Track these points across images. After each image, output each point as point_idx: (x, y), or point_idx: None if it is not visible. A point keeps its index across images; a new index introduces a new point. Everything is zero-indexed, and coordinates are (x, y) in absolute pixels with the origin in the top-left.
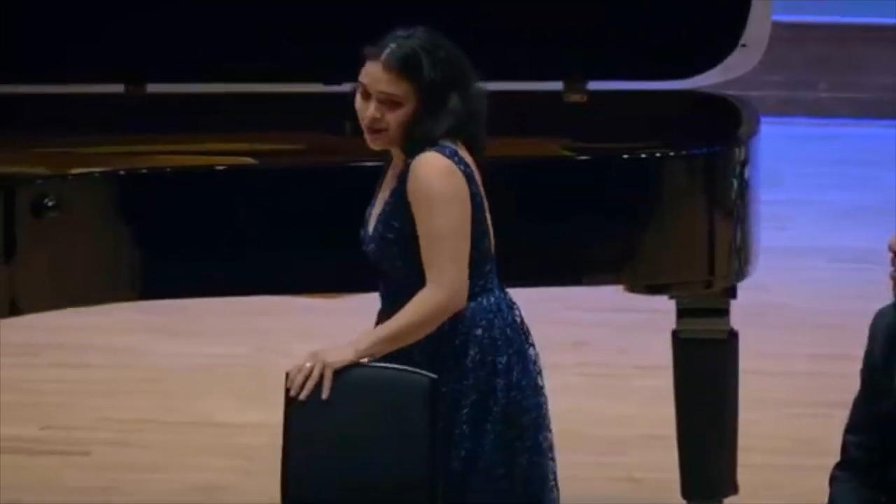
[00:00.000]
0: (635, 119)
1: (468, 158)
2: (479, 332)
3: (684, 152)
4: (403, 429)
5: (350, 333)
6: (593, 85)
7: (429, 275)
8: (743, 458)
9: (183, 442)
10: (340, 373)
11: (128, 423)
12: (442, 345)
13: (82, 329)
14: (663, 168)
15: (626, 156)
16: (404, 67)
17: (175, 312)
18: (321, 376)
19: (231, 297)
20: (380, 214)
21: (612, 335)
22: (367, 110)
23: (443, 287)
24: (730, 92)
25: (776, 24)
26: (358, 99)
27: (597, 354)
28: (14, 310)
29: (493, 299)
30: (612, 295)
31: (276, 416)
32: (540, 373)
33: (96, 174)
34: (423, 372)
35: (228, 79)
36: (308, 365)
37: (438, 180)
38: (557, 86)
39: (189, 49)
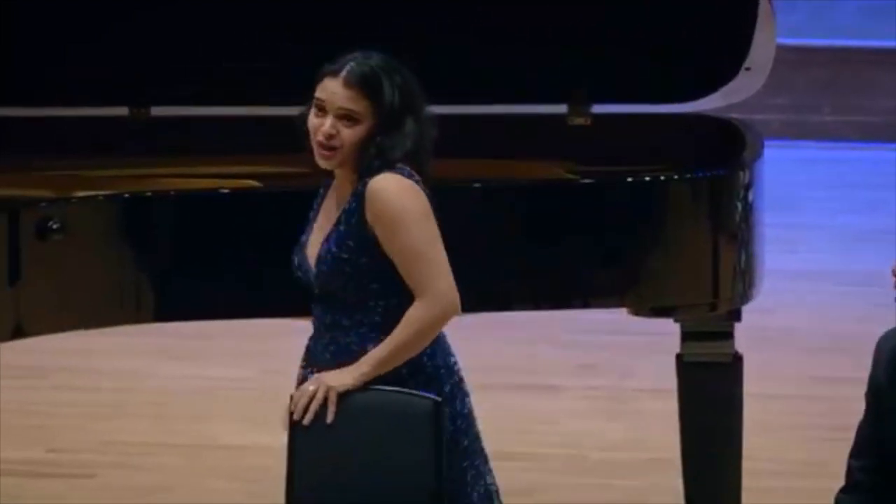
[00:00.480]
0: (639, 142)
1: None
2: (424, 359)
3: (688, 175)
4: (408, 451)
5: None
6: (597, 108)
7: (417, 292)
8: (748, 481)
9: (189, 465)
10: (344, 396)
11: (133, 445)
12: (388, 373)
13: (87, 352)
14: (667, 191)
15: (630, 179)
16: (364, 85)
17: (180, 335)
18: (325, 400)
19: (236, 319)
20: (329, 236)
21: (617, 358)
22: (322, 126)
23: (435, 299)
24: (734, 115)
25: (780, 48)
26: (311, 116)
27: (602, 377)
28: (19, 332)
29: None
30: (616, 318)
31: (282, 438)
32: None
33: (101, 197)
34: (428, 395)
35: (232, 102)
36: (311, 388)
37: (409, 199)
38: (562, 109)
39: (193, 72)
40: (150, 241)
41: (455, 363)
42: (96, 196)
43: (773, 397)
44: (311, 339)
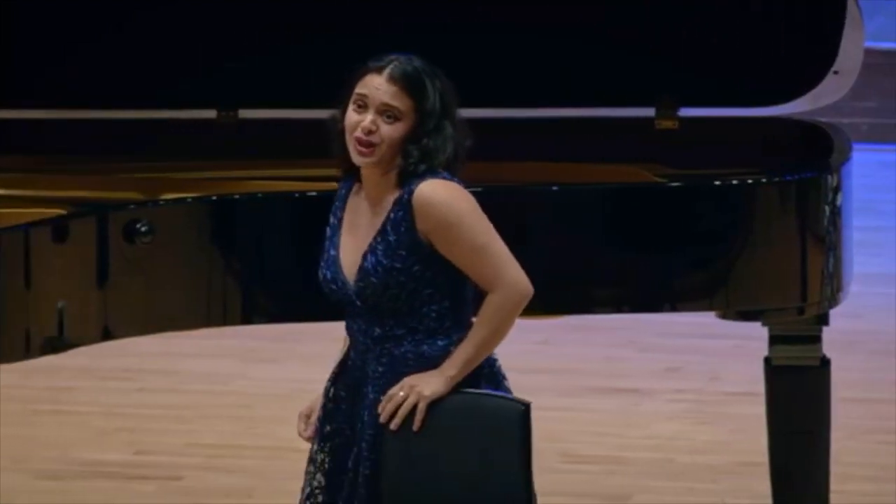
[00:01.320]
0: (727, 146)
1: None
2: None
3: (776, 179)
4: (496, 456)
5: None
6: (685, 111)
7: (489, 286)
8: (836, 485)
9: (273, 467)
10: (433, 400)
11: (219, 448)
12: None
13: (173, 354)
14: (755, 195)
15: (717, 182)
16: (408, 83)
17: (265, 337)
18: (414, 407)
19: (322, 322)
20: (374, 247)
21: (705, 362)
22: (362, 121)
23: (510, 288)
24: (821, 118)
25: (868, 51)
26: (350, 113)
27: (689, 381)
28: (107, 335)
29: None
30: (703, 321)
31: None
32: None
33: (189, 199)
34: (518, 398)
35: (317, 105)
36: (402, 394)
37: (461, 200)
38: (649, 112)
39: (280, 75)
40: (236, 243)
41: (497, 364)
42: (184, 198)
43: (861, 401)
44: (352, 354)
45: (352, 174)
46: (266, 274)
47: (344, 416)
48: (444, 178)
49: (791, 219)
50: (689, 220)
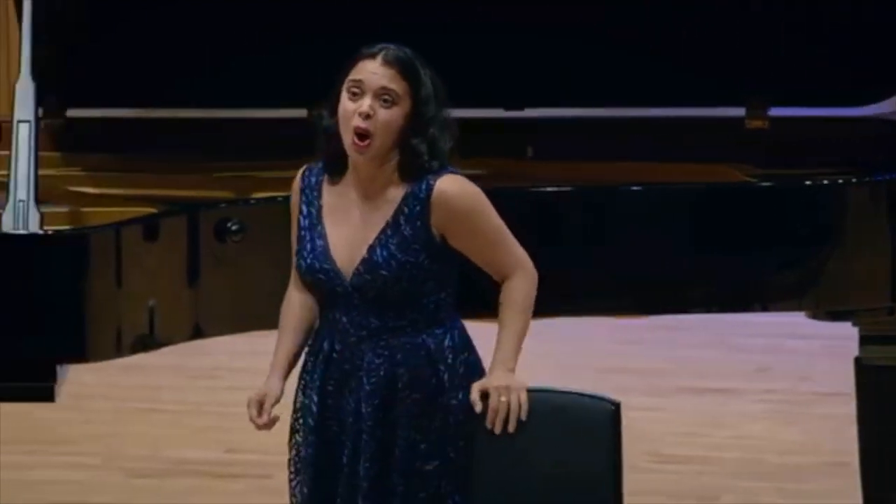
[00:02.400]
0: (817, 145)
1: None
2: (474, 357)
3: (867, 179)
4: (586, 456)
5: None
6: (775, 111)
7: (509, 269)
8: None
9: None
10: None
11: None
12: (446, 377)
13: (261, 353)
14: (846, 195)
15: (808, 182)
16: (403, 66)
17: None
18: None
19: None
20: (385, 241)
21: (794, 361)
22: (359, 107)
23: (527, 267)
24: None
25: None
26: (345, 102)
27: (779, 381)
28: (197, 333)
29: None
30: (793, 321)
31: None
32: None
33: (279, 198)
34: (608, 398)
35: None
36: (503, 399)
37: (478, 193)
38: (739, 112)
39: None
40: None
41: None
42: (275, 197)
43: None
44: (336, 346)
45: (335, 165)
46: None
47: (331, 411)
48: (455, 172)
49: (881, 219)
50: (780, 220)
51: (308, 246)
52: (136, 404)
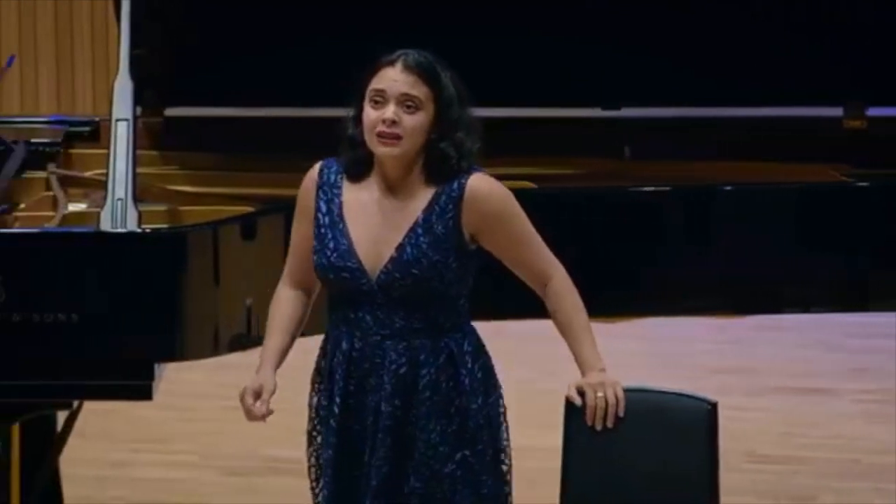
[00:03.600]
0: None
1: None
2: (490, 362)
3: None
4: (683, 455)
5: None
6: (873, 111)
7: (548, 270)
8: None
9: None
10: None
11: None
12: (464, 378)
13: None
14: None
15: None
16: (423, 71)
17: None
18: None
19: (507, 320)
20: (415, 240)
21: (891, 361)
22: (384, 114)
23: (560, 267)
24: None
25: None
26: (368, 110)
27: (875, 381)
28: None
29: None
30: (890, 321)
31: (552, 440)
32: None
33: None
34: (705, 397)
35: (511, 103)
36: (601, 394)
37: (510, 194)
38: (837, 111)
39: (475, 76)
40: None
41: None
42: None
43: None
44: (356, 344)
45: (358, 169)
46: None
47: (353, 410)
48: (484, 172)
49: None
50: (879, 220)
51: (331, 244)
52: (233, 403)
